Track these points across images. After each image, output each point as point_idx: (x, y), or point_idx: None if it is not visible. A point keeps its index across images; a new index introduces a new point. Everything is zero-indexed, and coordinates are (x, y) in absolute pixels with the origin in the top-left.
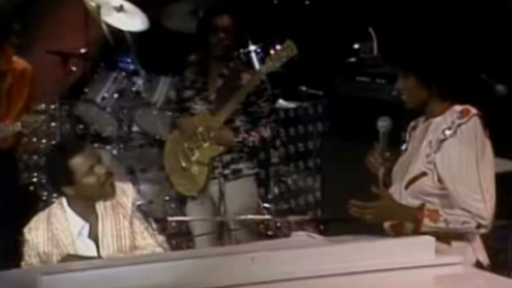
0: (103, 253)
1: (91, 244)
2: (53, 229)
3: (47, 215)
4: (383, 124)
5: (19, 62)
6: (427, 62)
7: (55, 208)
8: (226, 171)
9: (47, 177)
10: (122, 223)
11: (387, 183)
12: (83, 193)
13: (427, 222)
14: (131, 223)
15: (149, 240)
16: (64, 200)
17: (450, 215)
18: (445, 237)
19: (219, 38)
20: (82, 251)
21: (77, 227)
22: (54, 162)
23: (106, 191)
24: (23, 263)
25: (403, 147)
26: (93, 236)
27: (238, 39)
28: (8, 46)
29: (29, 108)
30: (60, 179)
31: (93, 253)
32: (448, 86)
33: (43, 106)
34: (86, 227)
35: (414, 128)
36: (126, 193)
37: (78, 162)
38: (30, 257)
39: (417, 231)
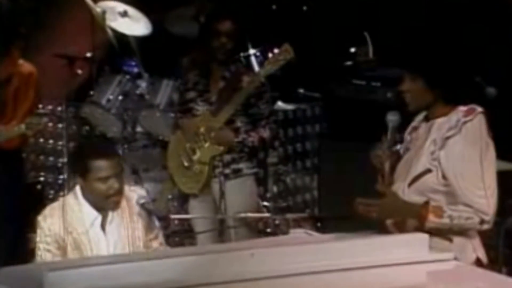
0: (117, 251)
1: (103, 236)
2: (68, 218)
3: (61, 204)
4: (392, 118)
5: (24, 65)
6: (438, 65)
7: (69, 198)
8: (227, 170)
9: (71, 158)
10: (136, 224)
11: (390, 180)
12: (89, 191)
13: (432, 218)
14: (144, 228)
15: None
16: (78, 191)
17: (454, 211)
18: (448, 233)
19: (220, 42)
20: (94, 242)
21: (90, 218)
22: (83, 151)
23: (107, 204)
24: (39, 252)
25: (398, 147)
26: (105, 228)
27: (239, 43)
28: (15, 50)
29: (33, 110)
30: (77, 167)
31: (104, 244)
32: (452, 90)
33: (50, 108)
34: (99, 218)
35: (415, 128)
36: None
37: (97, 165)
38: (48, 244)
39: (422, 228)
